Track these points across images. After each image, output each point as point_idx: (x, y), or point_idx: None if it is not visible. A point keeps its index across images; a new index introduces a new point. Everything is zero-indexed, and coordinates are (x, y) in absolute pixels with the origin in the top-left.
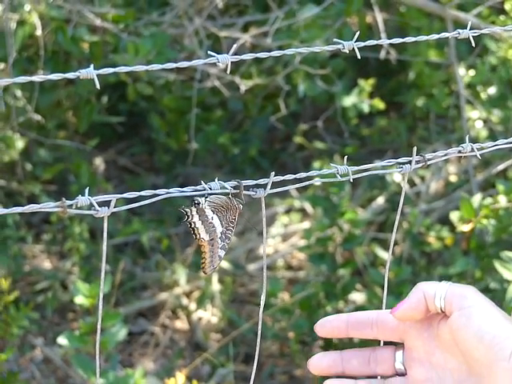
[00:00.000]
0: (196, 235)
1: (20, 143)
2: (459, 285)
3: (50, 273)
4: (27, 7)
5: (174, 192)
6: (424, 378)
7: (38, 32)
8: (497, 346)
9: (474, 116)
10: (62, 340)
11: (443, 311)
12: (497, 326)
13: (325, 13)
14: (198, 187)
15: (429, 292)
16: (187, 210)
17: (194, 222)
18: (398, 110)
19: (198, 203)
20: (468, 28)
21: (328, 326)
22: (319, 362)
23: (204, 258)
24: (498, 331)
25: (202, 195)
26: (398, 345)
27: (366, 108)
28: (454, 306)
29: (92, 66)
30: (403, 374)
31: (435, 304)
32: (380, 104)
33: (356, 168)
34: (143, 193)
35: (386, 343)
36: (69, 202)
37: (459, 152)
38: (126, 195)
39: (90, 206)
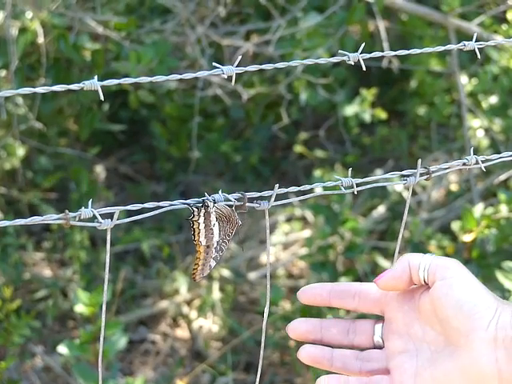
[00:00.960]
0: (196, 237)
1: (21, 151)
2: (443, 257)
3: (51, 281)
4: (29, 14)
5: (177, 204)
6: (401, 350)
7: (40, 39)
8: (476, 315)
9: (476, 125)
10: (62, 349)
11: (426, 283)
12: (478, 296)
13: (327, 21)
14: (202, 199)
15: (414, 262)
16: (195, 209)
17: (199, 223)
18: (400, 119)
19: (208, 206)
20: (474, 40)
21: (310, 292)
22: (298, 327)
23: (197, 264)
24: (479, 301)
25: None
26: (378, 318)
27: (367, 118)
28: (437, 276)
29: (96, 77)
30: (381, 347)
31: (419, 275)
32: (382, 114)
33: (360, 180)
34: (146, 205)
35: (367, 317)
36: (72, 214)
37: (464, 164)
38: (129, 207)
39: (93, 218)
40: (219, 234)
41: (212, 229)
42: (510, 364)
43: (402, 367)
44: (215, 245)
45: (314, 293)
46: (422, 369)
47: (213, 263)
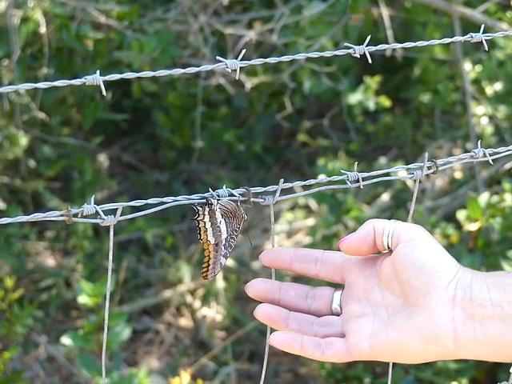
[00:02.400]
0: (202, 236)
1: (24, 140)
2: (408, 223)
3: (54, 270)
4: (31, 4)
5: (182, 200)
6: (359, 314)
7: (42, 29)
8: (437, 274)
9: (480, 112)
10: (65, 339)
11: (389, 248)
12: (440, 257)
13: (330, 9)
14: (206, 194)
15: (378, 227)
16: (200, 208)
17: (205, 222)
18: (403, 106)
19: (211, 204)
20: (481, 31)
21: (272, 255)
22: (257, 285)
23: (207, 263)
24: (441, 262)
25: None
26: (337, 287)
27: (371, 106)
28: (401, 239)
29: (98, 72)
30: (338, 315)
31: (383, 240)
32: (386, 102)
33: (366, 174)
34: (150, 201)
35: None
36: (74, 211)
37: (471, 157)
38: (132, 203)
39: (96, 214)
40: (227, 230)
41: (219, 226)
42: (465, 324)
43: (357, 330)
44: (224, 242)
45: (276, 255)
46: (378, 330)
47: (223, 260)
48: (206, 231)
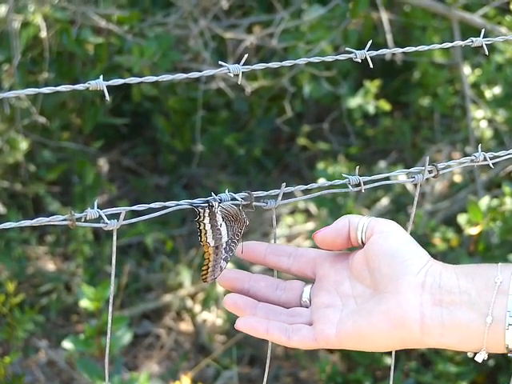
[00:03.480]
0: (202, 238)
1: (24, 145)
2: (382, 218)
3: (54, 275)
4: (31, 8)
5: (184, 204)
6: (327, 304)
7: (43, 33)
8: (408, 261)
9: (479, 116)
10: (66, 344)
11: (363, 243)
12: (412, 247)
13: (330, 14)
14: (209, 199)
15: (353, 221)
16: (201, 209)
17: (204, 224)
18: (403, 110)
19: (212, 206)
20: (481, 36)
21: (247, 248)
22: (226, 274)
23: (206, 266)
24: (413, 250)
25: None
26: (309, 283)
27: (371, 109)
28: (375, 230)
29: (101, 77)
30: (306, 307)
31: (357, 234)
32: (385, 105)
33: (367, 178)
34: (152, 205)
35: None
36: (78, 215)
37: (472, 161)
38: (135, 207)
39: (99, 219)
40: (227, 233)
41: (219, 229)
42: (433, 309)
43: (325, 317)
44: (224, 245)
45: (251, 248)
46: (345, 318)
47: (223, 264)
48: (206, 233)
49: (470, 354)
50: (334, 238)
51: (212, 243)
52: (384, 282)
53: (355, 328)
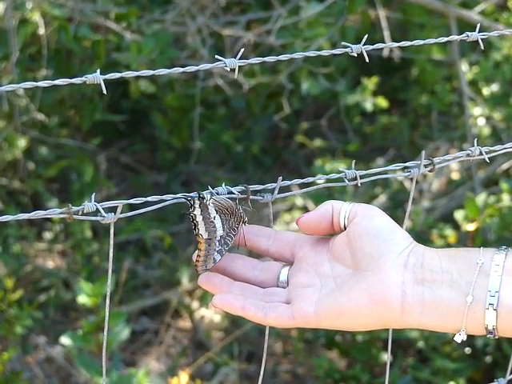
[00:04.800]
0: (195, 230)
1: (22, 142)
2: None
3: (53, 271)
4: (29, 6)
5: (181, 197)
6: (306, 284)
7: (41, 31)
8: (392, 241)
9: (477, 113)
10: (65, 340)
11: (345, 228)
12: (396, 229)
13: (328, 11)
14: (205, 192)
15: (336, 206)
16: (191, 201)
17: (195, 215)
18: (401, 107)
19: (203, 198)
20: (477, 31)
21: None
22: None
23: (199, 256)
24: (396, 231)
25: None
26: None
27: (369, 106)
28: (359, 213)
29: (98, 71)
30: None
31: (339, 220)
32: (383, 103)
33: (364, 172)
34: (150, 198)
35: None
36: (75, 208)
37: (468, 155)
38: (132, 201)
39: (97, 212)
40: (223, 227)
41: (213, 221)
42: (414, 288)
43: (304, 296)
44: (218, 238)
45: None
46: (325, 296)
47: (217, 257)
48: (197, 225)
49: (467, 351)
50: (317, 222)
51: (205, 235)
52: (366, 261)
53: (334, 305)
